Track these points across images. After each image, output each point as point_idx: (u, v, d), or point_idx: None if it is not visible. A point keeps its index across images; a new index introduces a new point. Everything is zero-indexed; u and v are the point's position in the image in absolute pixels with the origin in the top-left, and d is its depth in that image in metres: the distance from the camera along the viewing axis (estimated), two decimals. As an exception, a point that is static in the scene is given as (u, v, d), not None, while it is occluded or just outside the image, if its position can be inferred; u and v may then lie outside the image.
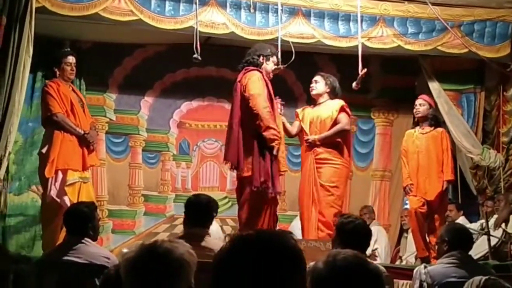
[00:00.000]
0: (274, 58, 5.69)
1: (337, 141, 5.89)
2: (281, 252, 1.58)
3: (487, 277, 2.56)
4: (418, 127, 6.61)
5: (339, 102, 5.96)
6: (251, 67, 5.57)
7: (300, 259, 1.61)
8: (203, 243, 4.05)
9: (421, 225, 6.42)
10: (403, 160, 6.68)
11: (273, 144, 5.31)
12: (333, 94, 6.02)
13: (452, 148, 6.57)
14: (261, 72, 5.54)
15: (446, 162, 6.43)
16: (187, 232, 4.28)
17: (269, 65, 5.65)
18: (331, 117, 5.89)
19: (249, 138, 5.42)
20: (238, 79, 5.59)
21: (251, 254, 1.56)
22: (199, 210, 4.30)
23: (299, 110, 6.26)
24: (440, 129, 6.56)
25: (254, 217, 5.40)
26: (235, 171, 5.64)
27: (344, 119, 5.90)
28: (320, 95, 6.03)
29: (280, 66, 5.69)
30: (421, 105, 6.57)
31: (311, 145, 5.88)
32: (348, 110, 5.97)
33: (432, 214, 6.41)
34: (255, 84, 5.40)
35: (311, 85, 6.07)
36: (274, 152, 5.33)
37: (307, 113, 6.09)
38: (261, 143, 5.36)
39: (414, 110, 6.66)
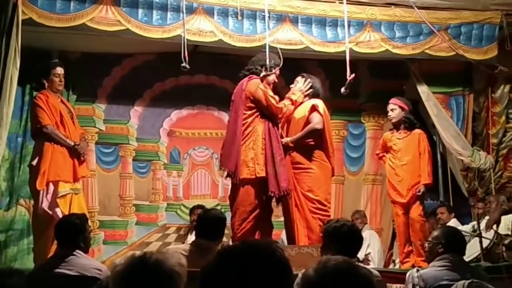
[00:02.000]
0: (277, 70, 5.72)
1: (311, 144, 5.80)
2: (267, 262, 1.57)
3: (469, 280, 2.55)
4: (395, 131, 6.59)
5: (311, 102, 5.89)
6: (254, 76, 5.61)
7: (287, 269, 1.60)
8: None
9: (407, 238, 6.48)
10: (383, 154, 6.69)
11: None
12: (313, 95, 5.97)
13: (429, 150, 6.54)
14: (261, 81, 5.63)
15: (423, 165, 6.40)
16: (195, 242, 4.49)
17: (271, 77, 5.68)
18: (303, 117, 5.84)
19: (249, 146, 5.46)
20: (243, 87, 5.59)
21: (237, 265, 1.56)
22: (207, 224, 4.48)
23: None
24: (417, 131, 6.52)
25: (247, 225, 5.39)
26: (229, 178, 5.64)
27: (315, 118, 5.79)
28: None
29: (268, 72, 5.69)
30: (392, 110, 6.54)
31: (286, 148, 5.81)
32: (319, 109, 5.83)
33: (410, 216, 6.43)
34: (272, 99, 5.56)
35: (291, 86, 6.07)
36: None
37: (288, 116, 6.05)
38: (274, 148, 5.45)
39: (388, 116, 6.66)
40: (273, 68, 5.69)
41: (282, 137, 5.88)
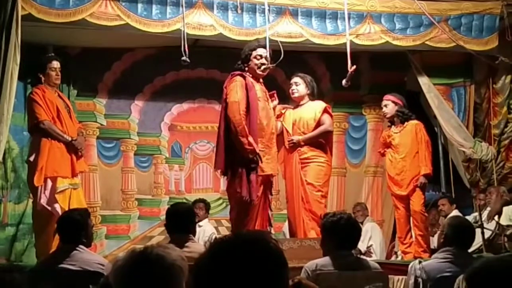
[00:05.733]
0: (258, 51, 5.64)
1: (320, 141, 5.94)
2: (261, 254, 1.56)
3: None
4: (392, 127, 6.59)
5: (321, 104, 6.04)
6: (237, 72, 5.57)
7: (281, 261, 1.59)
8: (185, 249, 3.97)
9: (407, 230, 6.48)
10: (385, 151, 6.69)
11: (250, 156, 5.32)
12: (312, 95, 6.07)
13: (428, 140, 6.51)
14: (244, 77, 5.54)
15: (422, 155, 6.39)
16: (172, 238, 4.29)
17: (251, 64, 5.61)
18: (314, 118, 5.94)
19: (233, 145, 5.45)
20: (224, 85, 5.60)
21: (231, 257, 1.55)
22: (179, 218, 4.28)
23: (283, 111, 6.24)
24: (412, 122, 6.47)
25: (244, 218, 5.40)
26: (224, 177, 5.65)
27: (327, 120, 5.98)
28: (302, 97, 6.05)
29: (269, 65, 5.67)
30: (386, 106, 6.55)
31: (295, 146, 5.90)
32: (330, 111, 6.07)
33: (412, 208, 6.41)
34: (232, 92, 5.44)
35: (292, 88, 6.08)
36: (254, 165, 5.36)
37: (289, 114, 6.11)
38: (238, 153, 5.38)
39: (383, 113, 6.68)
40: (249, 55, 5.62)
41: (289, 135, 5.96)
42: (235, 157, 5.40)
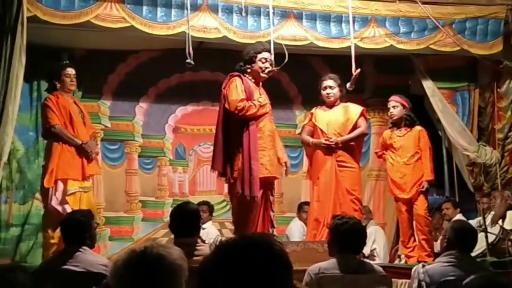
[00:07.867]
0: (263, 54, 5.59)
1: (353, 146, 6.01)
2: (266, 256, 1.57)
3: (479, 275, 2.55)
4: (395, 129, 6.56)
5: (358, 107, 6.11)
6: (235, 73, 5.54)
7: (285, 264, 1.59)
8: (196, 253, 3.89)
9: (410, 234, 6.46)
10: (383, 152, 6.67)
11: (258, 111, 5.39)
12: (342, 96, 6.14)
13: (430, 147, 6.50)
14: (241, 78, 5.50)
15: (425, 162, 6.38)
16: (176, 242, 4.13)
17: (255, 67, 5.53)
18: (351, 120, 6.00)
19: (233, 145, 5.43)
20: (223, 86, 5.59)
21: (236, 261, 1.55)
22: (185, 221, 4.13)
23: (312, 111, 6.28)
24: (417, 128, 6.47)
25: (246, 220, 5.39)
26: (223, 178, 5.63)
27: (363, 123, 6.07)
28: (336, 99, 6.09)
29: (273, 68, 5.66)
30: (394, 108, 6.52)
31: (332, 147, 5.92)
32: (366, 115, 6.22)
33: (415, 212, 6.39)
34: (233, 92, 5.42)
35: (327, 92, 6.04)
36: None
37: (321, 115, 6.11)
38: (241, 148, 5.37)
39: (389, 113, 6.64)
40: (254, 57, 5.55)
41: (325, 136, 5.98)
42: (234, 157, 5.40)
